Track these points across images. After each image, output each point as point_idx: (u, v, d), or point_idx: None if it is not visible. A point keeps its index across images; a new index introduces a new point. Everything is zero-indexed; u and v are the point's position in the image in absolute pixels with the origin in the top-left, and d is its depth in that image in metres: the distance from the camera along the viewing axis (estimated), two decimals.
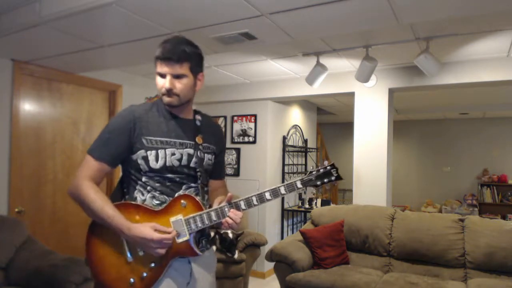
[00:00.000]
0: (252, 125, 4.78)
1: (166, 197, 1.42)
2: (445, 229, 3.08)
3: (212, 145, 1.58)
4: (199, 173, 1.48)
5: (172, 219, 1.37)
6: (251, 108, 4.79)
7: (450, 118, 7.37)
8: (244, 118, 4.83)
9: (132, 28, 2.37)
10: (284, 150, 4.99)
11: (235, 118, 4.90)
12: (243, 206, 1.40)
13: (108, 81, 3.91)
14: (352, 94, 4.05)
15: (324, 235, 3.29)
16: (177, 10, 2.11)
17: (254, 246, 3.77)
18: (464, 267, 3.00)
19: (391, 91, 3.91)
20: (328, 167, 1.46)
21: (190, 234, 1.37)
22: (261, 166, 4.69)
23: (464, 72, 3.50)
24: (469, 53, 3.31)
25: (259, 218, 4.67)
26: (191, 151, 1.48)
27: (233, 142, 4.90)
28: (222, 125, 4.96)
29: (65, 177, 3.53)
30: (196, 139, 1.50)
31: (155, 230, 1.32)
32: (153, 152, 1.41)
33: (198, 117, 1.57)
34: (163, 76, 1.40)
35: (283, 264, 3.16)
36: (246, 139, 4.81)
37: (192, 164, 1.47)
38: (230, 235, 3.59)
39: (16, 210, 3.12)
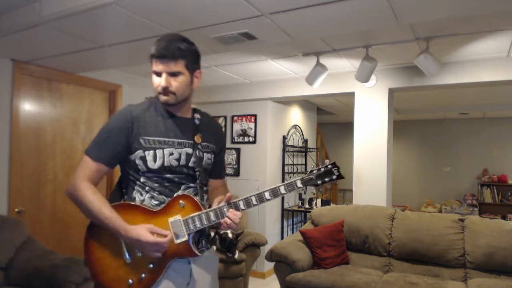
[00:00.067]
0: (252, 125, 4.78)
1: (165, 198, 1.41)
2: (445, 229, 3.08)
3: (212, 144, 1.56)
4: (197, 173, 1.46)
5: (171, 219, 1.36)
6: (251, 108, 4.79)
7: (450, 118, 7.37)
8: (244, 118, 4.83)
9: (132, 28, 2.37)
10: (284, 150, 4.99)
11: (235, 118, 4.90)
12: (242, 206, 1.38)
13: (108, 81, 3.91)
14: (352, 94, 4.05)
15: (324, 235, 3.29)
16: (177, 10, 2.11)
17: (254, 246, 3.77)
18: (464, 267, 3.00)
19: (391, 91, 3.91)
20: (329, 166, 1.42)
21: (188, 234, 1.36)
22: (261, 166, 4.69)
23: (464, 72, 3.50)
24: (469, 53, 3.31)
25: (259, 218, 4.67)
26: (189, 150, 1.46)
27: (233, 142, 4.90)
28: (222, 125, 4.96)
29: (65, 177, 3.53)
30: (195, 138, 1.48)
31: (152, 232, 1.31)
32: (151, 152, 1.39)
33: (197, 115, 1.55)
34: (158, 74, 1.38)
35: (283, 264, 3.16)
36: (246, 139, 4.81)
37: (190, 164, 1.45)
38: (230, 235, 3.59)
39: (16, 210, 3.12)
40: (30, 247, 2.76)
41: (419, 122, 7.74)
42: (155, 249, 1.30)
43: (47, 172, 3.41)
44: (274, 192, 1.37)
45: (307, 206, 4.97)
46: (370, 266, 3.26)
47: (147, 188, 1.41)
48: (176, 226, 1.35)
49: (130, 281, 1.35)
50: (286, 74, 4.18)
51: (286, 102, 5.09)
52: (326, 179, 1.41)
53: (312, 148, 5.93)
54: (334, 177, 1.42)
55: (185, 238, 1.35)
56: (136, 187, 1.42)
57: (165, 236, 1.32)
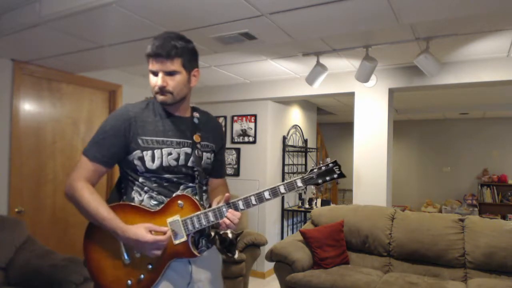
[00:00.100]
0: (252, 125, 4.77)
1: (164, 198, 1.39)
2: (445, 229, 3.08)
3: (211, 143, 1.54)
4: (196, 173, 1.45)
5: (169, 220, 1.35)
6: (251, 108, 4.79)
7: (450, 118, 7.37)
8: (244, 118, 4.83)
9: (132, 28, 2.37)
10: (284, 150, 4.99)
11: (235, 118, 4.90)
12: (241, 206, 1.36)
13: (108, 81, 3.91)
14: (352, 94, 4.05)
15: (324, 235, 3.29)
16: (177, 10, 2.11)
17: (254, 246, 3.77)
18: (464, 267, 3.00)
19: (391, 91, 3.91)
20: (330, 164, 1.38)
21: (187, 235, 1.35)
22: (261, 166, 4.69)
23: (464, 72, 3.50)
24: (469, 53, 3.30)
25: (259, 218, 4.67)
26: (188, 150, 1.44)
27: (233, 142, 4.90)
28: (222, 125, 4.96)
29: (65, 177, 3.52)
30: (194, 138, 1.46)
31: (150, 231, 1.30)
32: (149, 152, 1.37)
33: (196, 114, 1.53)
34: (155, 73, 1.36)
35: (283, 264, 3.15)
36: (246, 139, 4.81)
37: (190, 164, 1.43)
38: (230, 235, 3.57)
39: (16, 210, 3.12)
40: (30, 247, 2.76)
41: (419, 122, 7.74)
42: (154, 247, 1.29)
43: (47, 172, 3.41)
44: (274, 192, 1.35)
45: (307, 206, 4.96)
46: (370, 266, 3.26)
47: (145, 188, 1.40)
48: (174, 227, 1.34)
49: (129, 282, 1.35)
50: (286, 74, 4.18)
51: (286, 102, 5.08)
52: (328, 178, 1.38)
53: (312, 148, 5.93)
54: (336, 175, 1.38)
55: (183, 239, 1.34)
56: (135, 188, 1.41)
57: (164, 233, 1.31)
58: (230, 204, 1.37)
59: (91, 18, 2.21)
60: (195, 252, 1.37)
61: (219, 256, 1.61)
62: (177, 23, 2.29)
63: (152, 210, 1.37)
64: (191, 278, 1.42)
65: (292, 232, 5.13)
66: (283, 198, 4.96)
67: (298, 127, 5.46)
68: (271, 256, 3.22)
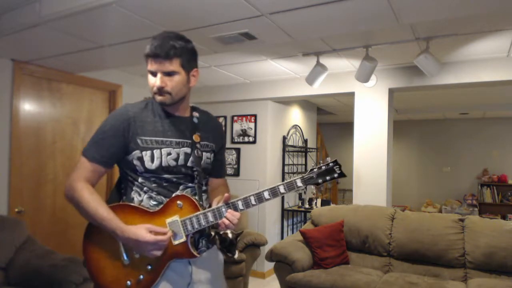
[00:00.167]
0: (252, 125, 4.77)
1: (163, 198, 1.39)
2: (445, 229, 3.08)
3: (211, 143, 1.53)
4: (196, 173, 1.44)
5: (168, 220, 1.34)
6: (251, 108, 4.79)
7: (450, 118, 7.37)
8: (244, 118, 4.83)
9: (132, 28, 2.37)
10: (284, 150, 4.99)
11: (235, 118, 4.90)
12: (240, 207, 1.36)
13: (108, 81, 3.91)
14: (352, 94, 4.05)
15: (324, 235, 3.29)
16: (177, 10, 2.11)
17: (254, 246, 3.77)
18: (464, 267, 3.00)
19: (391, 91, 3.91)
20: (330, 164, 1.37)
21: (187, 235, 1.34)
22: (261, 166, 4.69)
23: (464, 72, 3.50)
24: (469, 53, 3.30)
25: (259, 218, 4.67)
26: (188, 150, 1.43)
27: (233, 142, 4.90)
28: (222, 125, 4.96)
29: (65, 177, 3.52)
30: (194, 137, 1.45)
31: (150, 231, 1.29)
32: (148, 152, 1.37)
33: (195, 114, 1.52)
34: (154, 74, 1.35)
35: (283, 264, 3.15)
36: (246, 139, 4.81)
37: (189, 164, 1.43)
38: (230, 235, 3.59)
39: (16, 210, 3.12)
40: (30, 247, 2.76)
41: (419, 122, 7.74)
42: (155, 248, 1.29)
43: (47, 172, 3.41)
44: (273, 192, 1.34)
45: (307, 206, 4.97)
46: (370, 266, 3.26)
47: (145, 188, 1.40)
48: (174, 227, 1.34)
49: (128, 282, 1.34)
50: (286, 74, 4.18)
51: (286, 102, 5.08)
52: (328, 178, 1.37)
53: (312, 148, 5.93)
54: (336, 175, 1.37)
55: (183, 239, 1.34)
56: (134, 188, 1.41)
57: (164, 234, 1.30)
58: (230, 204, 1.36)
59: (91, 18, 2.21)
60: (195, 253, 1.36)
61: (220, 256, 1.60)
62: (177, 23, 2.29)
63: (152, 211, 1.37)
64: (191, 278, 1.41)
65: (292, 232, 5.13)
66: (283, 198, 4.96)
67: (298, 127, 5.46)
68: (271, 256, 3.22)
